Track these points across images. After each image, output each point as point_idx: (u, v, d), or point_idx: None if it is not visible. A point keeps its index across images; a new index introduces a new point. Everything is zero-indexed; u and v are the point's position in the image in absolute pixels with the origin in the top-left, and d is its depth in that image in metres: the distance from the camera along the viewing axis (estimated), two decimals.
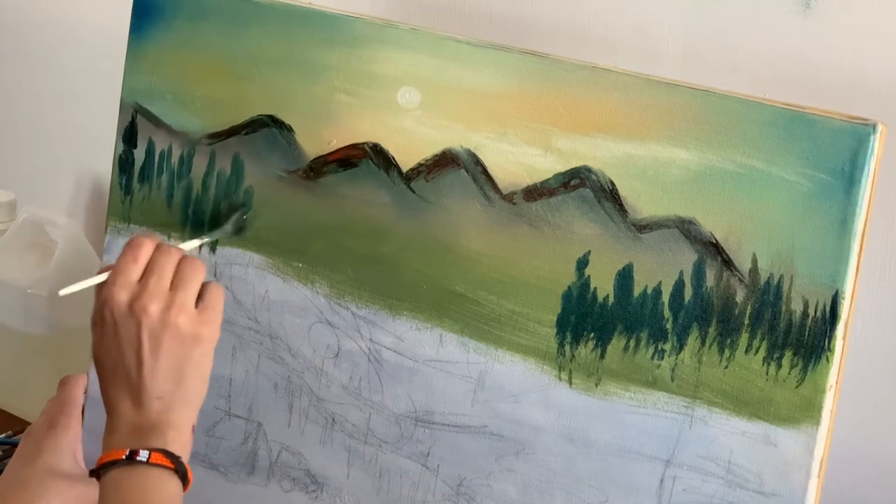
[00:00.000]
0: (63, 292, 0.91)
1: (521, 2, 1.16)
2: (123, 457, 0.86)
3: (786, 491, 0.84)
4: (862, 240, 0.81)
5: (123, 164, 1.08)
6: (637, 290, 0.88)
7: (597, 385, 0.90)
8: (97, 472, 0.87)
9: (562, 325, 0.90)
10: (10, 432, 1.32)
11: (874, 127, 0.80)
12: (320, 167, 0.99)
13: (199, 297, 0.90)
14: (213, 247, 1.04)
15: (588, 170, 0.89)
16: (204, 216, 1.04)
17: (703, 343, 0.86)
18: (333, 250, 0.99)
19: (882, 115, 0.82)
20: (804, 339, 0.83)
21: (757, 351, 0.85)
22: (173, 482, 0.86)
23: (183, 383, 0.88)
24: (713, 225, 0.85)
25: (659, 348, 0.87)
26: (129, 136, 1.07)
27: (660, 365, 0.87)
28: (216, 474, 1.06)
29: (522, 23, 1.16)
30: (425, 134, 0.95)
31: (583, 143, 0.89)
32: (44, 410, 1.07)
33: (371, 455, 0.99)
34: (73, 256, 1.35)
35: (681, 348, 0.87)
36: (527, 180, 0.91)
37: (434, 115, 0.94)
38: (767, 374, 0.84)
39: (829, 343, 0.82)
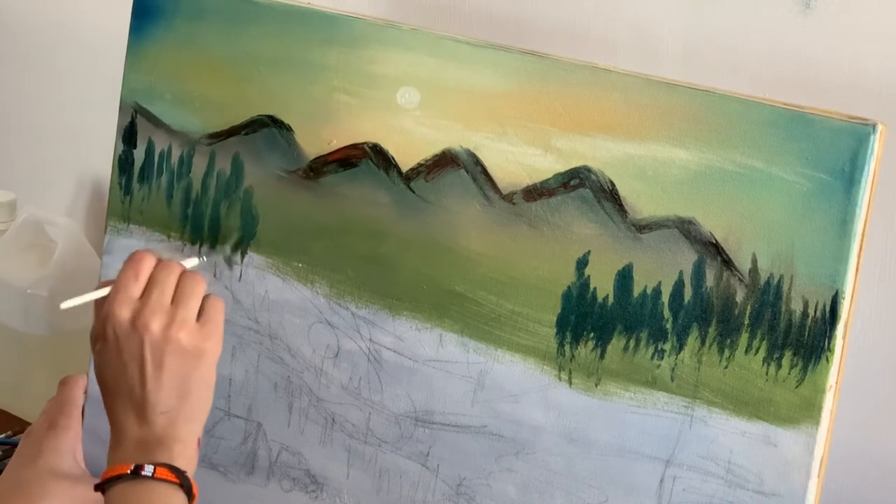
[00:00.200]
0: (64, 306, 0.91)
1: (521, 2, 1.16)
2: (128, 471, 0.86)
3: (786, 491, 0.84)
4: (862, 240, 0.81)
5: (123, 164, 1.08)
6: (637, 290, 0.88)
7: (597, 385, 0.90)
8: (102, 487, 0.87)
9: (561, 325, 0.90)
10: (10, 432, 1.32)
11: (874, 127, 0.80)
12: (320, 167, 0.99)
13: (200, 311, 0.90)
14: (212, 246, 1.04)
15: (588, 170, 0.89)
16: (203, 217, 1.04)
17: (702, 343, 0.86)
18: (333, 250, 0.99)
19: (882, 115, 0.82)
20: (804, 339, 0.83)
21: (757, 351, 0.84)
22: (178, 497, 0.86)
23: (187, 398, 0.88)
24: (713, 225, 0.85)
25: (659, 348, 0.87)
26: (128, 136, 1.07)
27: (659, 365, 0.87)
28: (216, 474, 1.06)
29: (522, 23, 1.16)
30: (425, 134, 0.95)
31: (582, 143, 0.89)
32: (44, 411, 1.07)
33: (371, 455, 0.99)
34: (73, 256, 1.35)
35: (680, 348, 0.87)
36: (526, 180, 0.91)
37: (434, 115, 0.94)
38: (767, 374, 0.84)
39: (828, 343, 0.82)
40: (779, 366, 0.84)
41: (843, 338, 0.82)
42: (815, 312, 0.82)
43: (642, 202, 0.87)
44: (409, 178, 0.95)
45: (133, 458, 0.87)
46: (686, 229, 0.86)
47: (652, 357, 0.88)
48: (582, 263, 0.89)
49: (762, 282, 0.84)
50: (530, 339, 0.92)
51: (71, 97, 1.53)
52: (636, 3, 1.10)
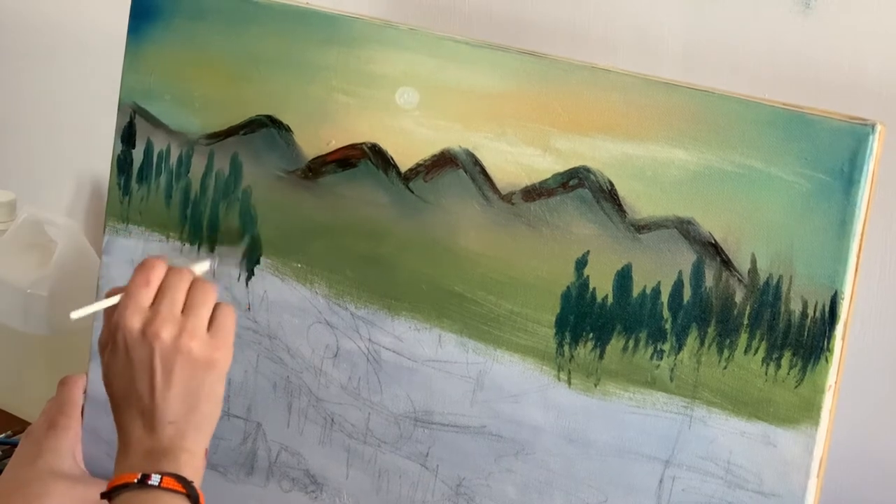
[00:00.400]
0: (75, 315, 0.90)
1: (521, 2, 1.15)
2: (135, 480, 0.85)
3: (785, 491, 0.84)
4: (861, 240, 0.81)
5: (122, 164, 1.08)
6: (636, 291, 0.88)
7: (596, 385, 0.90)
8: (108, 495, 0.87)
9: (561, 325, 0.90)
10: (10, 432, 1.32)
11: (873, 127, 0.80)
12: (319, 167, 0.99)
13: (211, 320, 0.89)
14: (210, 247, 1.04)
15: (587, 170, 0.89)
16: (202, 217, 1.04)
17: (702, 343, 0.86)
18: (332, 250, 0.99)
19: (882, 115, 0.82)
20: (803, 339, 0.83)
21: (756, 351, 0.84)
22: None
23: (196, 408, 0.88)
24: (712, 225, 0.85)
25: (658, 348, 0.87)
26: (127, 136, 1.07)
27: (659, 365, 0.87)
28: (215, 474, 1.06)
29: (522, 23, 1.16)
30: (424, 134, 0.95)
31: (581, 144, 0.89)
32: (43, 411, 1.07)
33: (370, 455, 0.99)
34: (73, 256, 1.35)
35: (680, 348, 0.87)
36: (525, 180, 0.91)
37: (433, 115, 0.94)
38: (766, 374, 0.84)
39: (828, 343, 0.82)
40: (778, 366, 0.84)
41: (843, 338, 0.82)
42: (815, 312, 0.82)
43: (641, 202, 0.87)
44: (407, 178, 0.95)
45: (140, 466, 0.87)
46: (685, 229, 0.86)
47: (651, 357, 0.88)
48: (581, 263, 0.89)
49: (761, 282, 0.84)
50: (529, 340, 0.92)
51: (71, 97, 1.53)
52: (636, 3, 1.10)
